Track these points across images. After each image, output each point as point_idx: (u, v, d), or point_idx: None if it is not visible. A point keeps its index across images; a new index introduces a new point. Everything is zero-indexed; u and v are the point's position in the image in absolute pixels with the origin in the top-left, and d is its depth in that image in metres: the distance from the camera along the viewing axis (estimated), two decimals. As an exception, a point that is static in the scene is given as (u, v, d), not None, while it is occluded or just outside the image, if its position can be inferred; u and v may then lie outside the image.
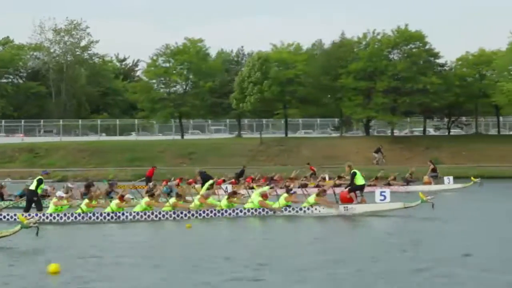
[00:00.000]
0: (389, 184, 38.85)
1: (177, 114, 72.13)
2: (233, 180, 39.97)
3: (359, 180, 26.48)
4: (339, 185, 37.54)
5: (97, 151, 67.67)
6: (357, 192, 26.47)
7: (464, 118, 78.08)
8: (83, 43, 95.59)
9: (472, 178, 40.09)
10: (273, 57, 70.99)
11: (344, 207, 25.39)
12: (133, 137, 77.32)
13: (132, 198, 27.27)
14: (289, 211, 25.11)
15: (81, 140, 73.75)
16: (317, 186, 36.66)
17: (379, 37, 68.73)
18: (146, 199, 25.31)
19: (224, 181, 38.51)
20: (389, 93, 66.85)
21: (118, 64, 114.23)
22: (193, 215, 24.60)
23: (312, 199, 25.41)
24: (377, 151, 62.47)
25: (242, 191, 28.63)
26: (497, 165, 59.28)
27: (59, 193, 26.44)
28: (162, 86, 71.66)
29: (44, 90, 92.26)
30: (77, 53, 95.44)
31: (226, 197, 26.30)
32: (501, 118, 78.76)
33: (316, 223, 23.65)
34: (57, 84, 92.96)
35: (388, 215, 24.76)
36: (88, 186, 31.62)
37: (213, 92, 72.50)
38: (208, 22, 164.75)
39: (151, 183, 36.20)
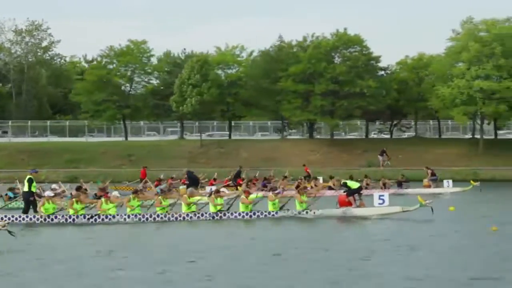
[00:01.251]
0: (385, 186, 40.00)
1: (119, 116, 72.68)
2: (225, 180, 41.23)
3: (353, 185, 27.18)
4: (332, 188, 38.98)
5: (38, 152, 68.07)
6: (356, 195, 26.92)
7: (413, 122, 78.80)
8: (44, 44, 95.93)
9: (471, 181, 40.45)
10: (215, 60, 71.70)
11: (343, 210, 25.73)
12: (82, 138, 77.73)
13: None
14: (283, 214, 25.23)
15: (29, 141, 74.32)
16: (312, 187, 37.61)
17: (319, 40, 69.30)
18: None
19: (215, 180, 39.06)
20: (327, 96, 67.53)
21: (85, 65, 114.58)
22: (183, 218, 24.67)
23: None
24: (382, 153, 62.65)
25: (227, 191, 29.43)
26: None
27: (48, 192, 26.71)
28: (105, 87, 71.87)
29: (5, 91, 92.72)
30: (38, 53, 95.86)
31: (209, 195, 26.62)
32: (449, 122, 79.40)
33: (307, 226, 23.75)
34: (18, 84, 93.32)
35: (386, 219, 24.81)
36: (79, 188, 31.80)
37: (156, 94, 73.11)
38: (208, 22, 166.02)
39: (140, 184, 36.51)
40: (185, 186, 37.09)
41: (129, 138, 75.45)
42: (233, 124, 76.36)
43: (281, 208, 25.45)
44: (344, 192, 27.49)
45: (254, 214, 24.90)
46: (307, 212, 25.14)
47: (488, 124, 71.76)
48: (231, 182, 42.23)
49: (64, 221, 24.70)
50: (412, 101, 70.82)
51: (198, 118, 70.00)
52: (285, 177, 42.07)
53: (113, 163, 65.25)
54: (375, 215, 24.91)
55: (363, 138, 76.22)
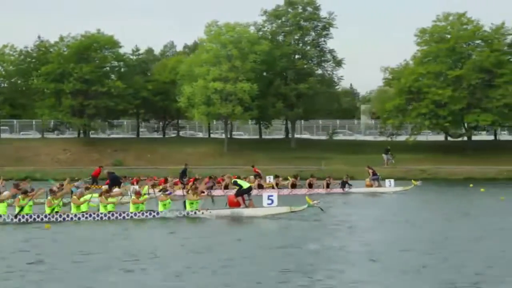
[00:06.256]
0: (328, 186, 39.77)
1: None
2: (176, 180, 39.53)
3: (244, 184, 26.58)
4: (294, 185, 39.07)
5: None
6: (245, 196, 26.24)
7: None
8: None
9: (413, 181, 40.70)
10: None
11: (232, 211, 25.31)
12: None
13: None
14: (172, 214, 24.84)
15: None
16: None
17: (73, 40, 69.92)
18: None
19: (166, 180, 37.98)
20: (77, 95, 68.21)
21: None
22: (71, 218, 24.17)
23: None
24: (386, 152, 62.16)
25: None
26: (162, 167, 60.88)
27: None
28: None
29: None
30: None
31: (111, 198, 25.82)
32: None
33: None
34: None
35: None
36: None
37: None
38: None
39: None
40: (105, 186, 36.50)
41: None
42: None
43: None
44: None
45: (143, 214, 24.78)
46: (195, 213, 24.95)
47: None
48: (181, 181, 40.78)
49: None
50: (171, 101, 72.20)
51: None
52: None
53: None
54: (263, 216, 24.77)
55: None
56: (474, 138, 70.52)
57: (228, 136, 71.38)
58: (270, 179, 41.94)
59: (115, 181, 37.86)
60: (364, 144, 73.41)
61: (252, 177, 40.99)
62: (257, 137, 78.04)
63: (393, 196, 37.53)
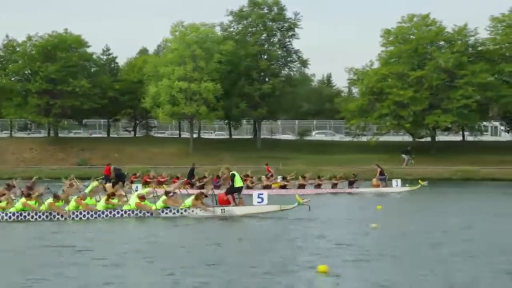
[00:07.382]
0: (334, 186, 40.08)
1: None
2: (185, 179, 39.37)
3: (238, 182, 26.36)
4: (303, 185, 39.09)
5: None
6: (235, 194, 26.18)
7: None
8: None
9: (420, 181, 40.23)
10: None
11: (222, 209, 25.15)
12: None
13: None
14: (166, 213, 24.80)
15: None
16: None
17: (40, 40, 70.12)
18: (23, 199, 24.29)
19: (178, 178, 38.05)
20: (43, 95, 68.44)
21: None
22: (69, 216, 24.01)
23: (189, 201, 25.07)
24: (406, 152, 61.69)
25: (122, 192, 27.51)
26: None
27: None
28: None
29: None
30: None
31: (104, 197, 25.49)
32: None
33: (193, 225, 23.12)
34: None
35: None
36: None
37: None
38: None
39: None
40: (110, 184, 35.74)
41: None
42: None
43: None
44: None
45: (140, 212, 24.82)
46: (185, 211, 24.97)
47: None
48: (189, 181, 40.78)
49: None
50: (139, 101, 72.32)
51: None
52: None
53: None
54: (253, 214, 24.88)
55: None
56: (443, 139, 70.88)
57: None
58: (279, 179, 42.38)
59: (120, 177, 38.06)
60: (334, 144, 73.78)
61: (263, 176, 41.58)
62: (227, 137, 78.56)
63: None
